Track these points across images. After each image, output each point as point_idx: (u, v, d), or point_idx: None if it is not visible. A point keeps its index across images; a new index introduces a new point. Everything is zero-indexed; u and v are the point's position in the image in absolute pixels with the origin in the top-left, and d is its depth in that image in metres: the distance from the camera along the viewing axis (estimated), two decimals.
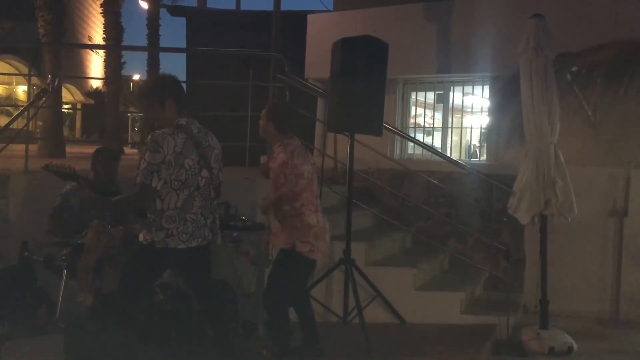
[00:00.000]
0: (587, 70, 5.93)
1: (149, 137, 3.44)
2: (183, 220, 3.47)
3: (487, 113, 7.45)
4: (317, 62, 7.65)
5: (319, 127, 7.85)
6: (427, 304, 5.49)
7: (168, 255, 3.49)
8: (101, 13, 18.06)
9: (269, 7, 10.13)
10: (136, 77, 33.39)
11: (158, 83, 3.77)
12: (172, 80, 3.71)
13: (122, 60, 17.51)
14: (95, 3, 25.93)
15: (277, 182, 3.95)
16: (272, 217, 4.19)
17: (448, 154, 7.48)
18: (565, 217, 5.28)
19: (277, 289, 4.02)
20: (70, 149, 12.18)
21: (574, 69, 6.02)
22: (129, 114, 31.61)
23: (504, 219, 6.10)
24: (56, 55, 11.72)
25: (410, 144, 7.87)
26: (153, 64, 19.05)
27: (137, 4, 21.58)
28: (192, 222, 3.50)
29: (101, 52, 25.81)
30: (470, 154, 8.33)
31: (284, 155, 3.97)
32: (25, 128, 6.46)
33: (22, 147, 6.03)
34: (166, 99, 3.53)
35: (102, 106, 23.70)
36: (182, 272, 3.88)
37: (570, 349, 4.99)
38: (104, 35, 17.33)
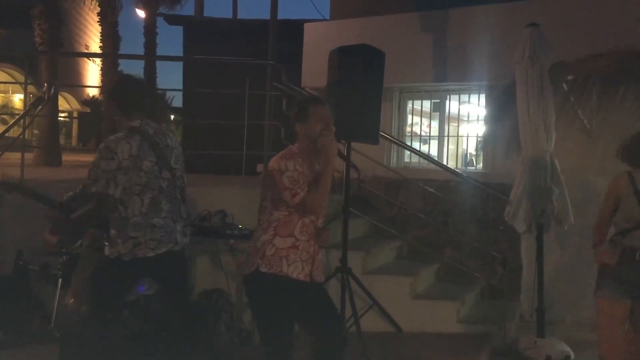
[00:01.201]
0: (582, 79, 5.96)
1: (102, 144, 3.35)
2: (150, 227, 3.34)
3: (483, 121, 7.48)
4: (314, 70, 7.67)
5: None
6: (424, 312, 5.47)
7: (137, 266, 3.36)
8: (98, 22, 18.09)
9: (266, 16, 10.14)
10: None
11: (113, 85, 3.72)
12: (120, 81, 3.69)
13: (119, 68, 17.52)
14: (92, 12, 25.96)
15: None
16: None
17: (444, 163, 7.49)
18: (561, 226, 5.28)
19: None
20: (66, 157, 12.16)
21: (569, 78, 6.05)
22: None
23: (501, 228, 6.11)
24: (52, 64, 11.72)
25: (407, 153, 7.88)
26: (150, 73, 19.06)
27: (134, 12, 21.62)
28: (160, 228, 3.37)
29: (98, 60, 25.82)
30: (467, 162, 8.35)
31: None
32: (21, 136, 6.44)
33: (18, 155, 6.01)
34: (113, 101, 3.54)
35: (98, 114, 23.68)
36: (156, 280, 3.76)
37: (567, 357, 4.99)
38: (101, 44, 17.36)
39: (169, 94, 33.93)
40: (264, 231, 3.12)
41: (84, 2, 22.82)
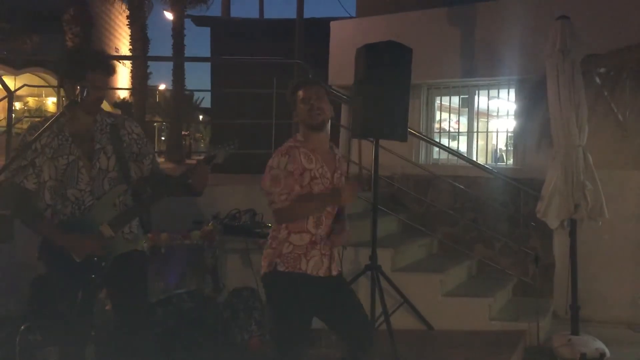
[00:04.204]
0: (615, 71, 5.84)
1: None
2: None
3: (513, 117, 7.38)
4: (341, 68, 7.66)
5: (343, 134, 7.86)
6: (455, 310, 5.44)
7: None
8: (127, 25, 18.38)
9: (292, 15, 10.21)
10: (162, 87, 33.82)
11: None
12: None
13: (148, 70, 17.78)
14: (121, 15, 26.38)
15: None
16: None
17: (474, 159, 7.42)
18: (595, 221, 5.18)
19: None
20: None
21: (602, 70, 5.94)
22: (155, 124, 32.04)
23: (532, 224, 6.03)
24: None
25: (435, 149, 7.83)
26: (178, 74, 19.28)
27: (162, 15, 21.88)
28: None
29: (128, 62, 26.24)
30: (497, 158, 8.25)
31: None
32: None
33: None
34: None
35: (129, 116, 24.02)
36: None
37: (602, 355, 4.89)
38: (130, 47, 17.65)
39: (197, 95, 34.34)
40: (279, 229, 3.03)
41: (114, 6, 23.23)
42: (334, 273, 3.11)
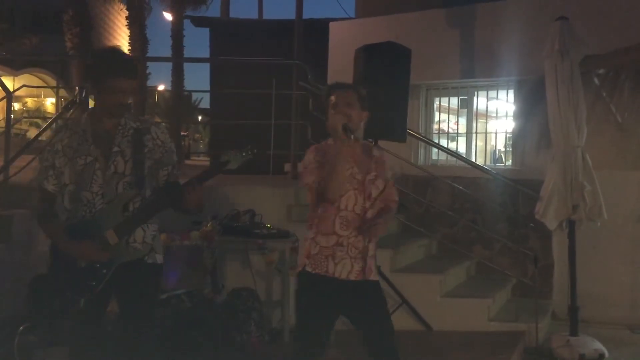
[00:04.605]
0: (614, 72, 5.85)
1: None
2: None
3: (512, 117, 7.39)
4: (340, 69, 7.64)
5: None
6: (454, 310, 5.44)
7: None
8: (127, 25, 18.38)
9: (291, 15, 10.18)
10: (161, 87, 33.84)
11: None
12: None
13: (147, 71, 17.74)
14: (120, 15, 26.38)
15: None
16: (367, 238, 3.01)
17: (473, 160, 7.42)
18: (594, 222, 5.19)
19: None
20: None
21: (601, 71, 5.94)
22: None
23: (531, 225, 6.03)
24: (83, 67, 11.94)
25: (435, 150, 7.83)
26: (177, 74, 19.29)
27: (162, 15, 21.88)
28: None
29: None
30: (496, 159, 8.25)
31: None
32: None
33: None
34: None
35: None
36: None
37: (601, 356, 4.90)
38: (130, 47, 17.62)
39: (196, 95, 34.34)
40: (309, 229, 3.02)
41: (113, 6, 23.23)
42: (370, 278, 3.01)
